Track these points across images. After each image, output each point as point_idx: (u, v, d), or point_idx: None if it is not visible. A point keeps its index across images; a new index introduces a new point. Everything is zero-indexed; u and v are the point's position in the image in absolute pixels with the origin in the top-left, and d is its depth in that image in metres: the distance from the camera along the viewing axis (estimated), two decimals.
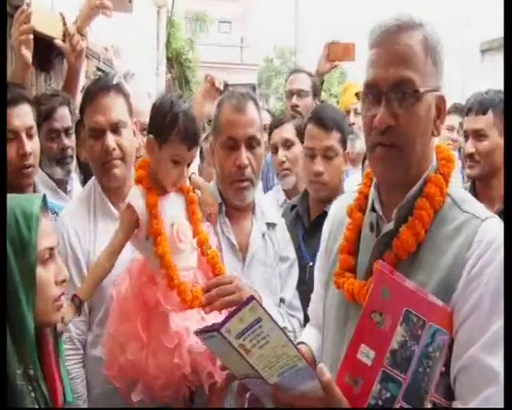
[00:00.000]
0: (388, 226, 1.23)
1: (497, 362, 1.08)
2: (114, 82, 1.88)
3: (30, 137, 1.90)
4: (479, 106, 2.24)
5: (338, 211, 1.44)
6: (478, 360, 1.09)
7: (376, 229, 1.27)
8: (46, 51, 2.73)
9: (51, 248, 1.29)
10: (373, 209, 1.28)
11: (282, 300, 1.86)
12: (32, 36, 2.16)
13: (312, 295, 1.57)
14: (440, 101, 1.21)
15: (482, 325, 1.10)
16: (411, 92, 1.14)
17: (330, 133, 2.13)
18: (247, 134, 1.78)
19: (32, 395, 1.23)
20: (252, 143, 1.79)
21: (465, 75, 5.67)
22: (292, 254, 1.96)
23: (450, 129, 3.68)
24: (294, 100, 3.06)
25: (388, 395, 1.10)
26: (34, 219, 1.24)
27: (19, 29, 2.13)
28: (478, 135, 2.23)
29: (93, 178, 1.95)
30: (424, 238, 1.18)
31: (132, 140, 1.92)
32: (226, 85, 2.16)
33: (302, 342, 1.49)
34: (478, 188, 2.30)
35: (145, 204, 1.59)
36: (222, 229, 1.82)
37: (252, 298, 1.07)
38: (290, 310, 1.85)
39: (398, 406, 1.10)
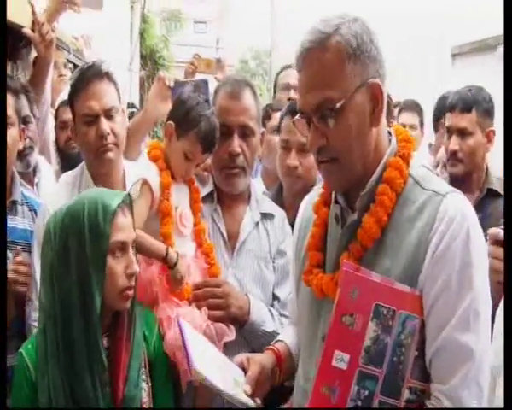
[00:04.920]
0: (352, 217, 1.22)
1: (471, 338, 1.08)
2: (106, 69, 1.88)
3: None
4: (463, 103, 2.20)
5: (306, 208, 1.42)
6: (452, 340, 1.09)
7: (342, 220, 1.26)
8: (13, 40, 2.63)
9: (123, 243, 1.37)
10: (336, 201, 1.27)
11: (276, 297, 1.80)
12: None
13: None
14: (374, 89, 1.15)
15: (453, 305, 1.10)
16: (332, 110, 1.13)
17: None
18: (239, 122, 1.76)
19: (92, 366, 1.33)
20: (245, 131, 1.77)
21: (437, 79, 5.74)
22: (290, 249, 1.86)
23: (414, 127, 3.58)
24: (292, 93, 3.08)
25: (366, 393, 1.10)
26: (111, 212, 1.35)
27: None
28: (462, 133, 2.20)
29: (82, 164, 1.94)
30: (388, 222, 1.17)
31: (124, 125, 1.93)
32: (177, 82, 2.14)
33: (279, 340, 1.50)
34: (457, 183, 2.28)
35: (159, 184, 1.64)
36: (213, 216, 1.81)
37: None
38: (283, 310, 1.77)
39: (376, 401, 1.10)
